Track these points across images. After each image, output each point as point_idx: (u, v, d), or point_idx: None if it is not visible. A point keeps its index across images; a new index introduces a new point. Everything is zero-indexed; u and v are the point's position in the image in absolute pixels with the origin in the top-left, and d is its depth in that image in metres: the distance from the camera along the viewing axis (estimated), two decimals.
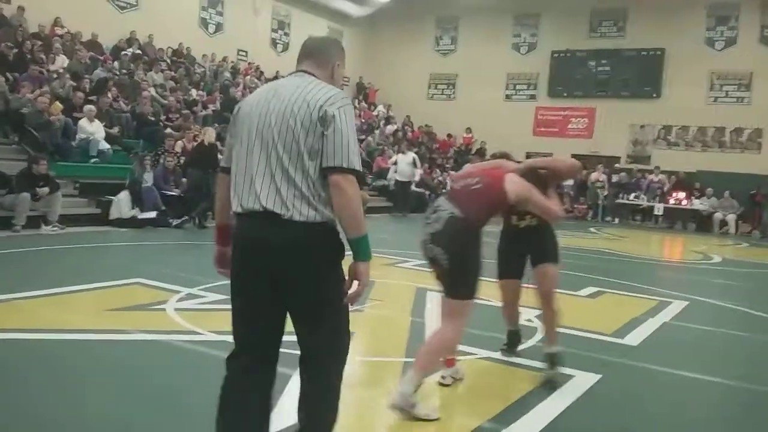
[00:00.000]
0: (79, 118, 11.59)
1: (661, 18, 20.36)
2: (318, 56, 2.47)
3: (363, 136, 19.73)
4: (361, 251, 2.29)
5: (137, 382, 3.72)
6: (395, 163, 17.20)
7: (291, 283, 2.29)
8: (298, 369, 2.43)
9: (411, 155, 17.10)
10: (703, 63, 19.87)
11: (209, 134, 11.41)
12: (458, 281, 3.46)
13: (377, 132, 20.91)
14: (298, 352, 2.44)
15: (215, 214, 2.65)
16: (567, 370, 4.28)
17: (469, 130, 22.91)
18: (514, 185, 3.57)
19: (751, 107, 19.42)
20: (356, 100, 22.91)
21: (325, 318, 2.34)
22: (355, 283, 2.31)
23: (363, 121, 21.27)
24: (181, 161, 11.91)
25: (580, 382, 4.11)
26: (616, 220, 18.60)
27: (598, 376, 4.22)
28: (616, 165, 20.54)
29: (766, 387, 4.37)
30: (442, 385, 3.89)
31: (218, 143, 11.22)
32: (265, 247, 2.27)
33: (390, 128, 21.85)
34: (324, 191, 2.25)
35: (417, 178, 17.07)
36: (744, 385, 4.40)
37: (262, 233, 2.27)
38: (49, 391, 3.49)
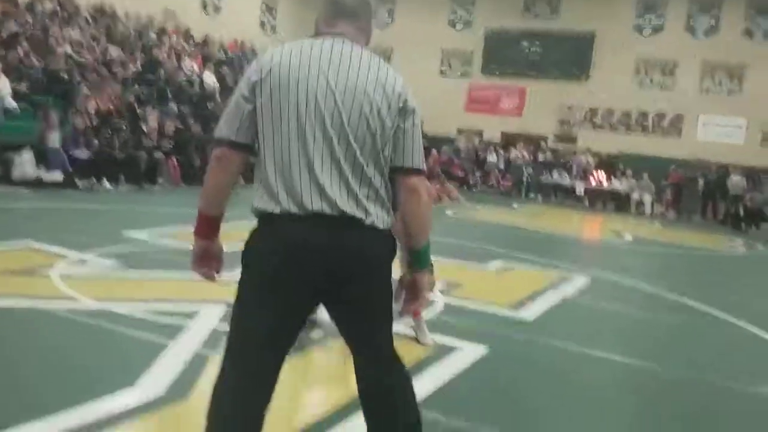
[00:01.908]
0: None
1: (594, 1, 20.67)
2: (360, 18, 2.05)
3: None
4: (425, 259, 2.16)
5: (4, 351, 3.51)
6: None
7: (357, 292, 1.98)
8: (365, 375, 2.16)
9: None
10: (631, 48, 20.32)
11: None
12: None
13: None
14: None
15: (209, 199, 2.08)
16: (455, 342, 4.30)
17: None
18: None
19: (674, 94, 20.02)
20: None
21: (387, 320, 2.11)
22: (423, 294, 2.14)
23: None
24: (94, 123, 11.40)
25: (467, 353, 4.13)
26: (539, 198, 18.98)
27: (486, 349, 4.24)
28: (543, 144, 20.92)
29: (651, 363, 4.49)
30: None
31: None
32: (335, 257, 1.91)
33: None
34: (390, 193, 1.99)
35: None
36: (629, 360, 4.51)
37: (334, 240, 1.90)
38: None
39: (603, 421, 3.48)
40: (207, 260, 2.14)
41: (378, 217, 1.94)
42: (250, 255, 1.99)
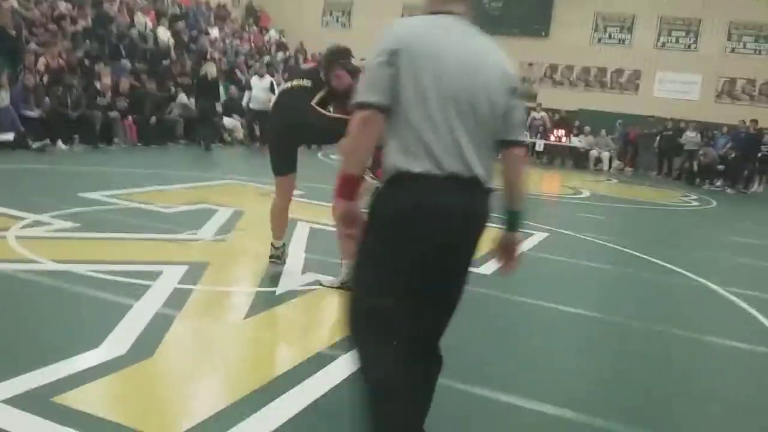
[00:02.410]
0: None
1: None
2: None
3: (251, 63, 19.04)
4: (521, 222, 2.34)
5: None
6: (249, 89, 14.72)
7: (463, 258, 2.17)
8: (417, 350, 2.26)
9: (268, 79, 14.35)
10: (589, 4, 20.38)
11: (210, 68, 13.66)
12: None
13: (267, 58, 20.22)
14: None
15: (355, 160, 2.10)
16: None
17: (364, 59, 22.55)
18: None
19: (631, 50, 20.22)
20: (246, 25, 21.96)
21: (461, 294, 2.25)
22: (516, 252, 2.37)
23: (252, 46, 20.48)
24: (44, 80, 11.03)
25: None
26: (498, 155, 19.13)
27: None
28: None
29: (610, 315, 4.66)
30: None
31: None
32: (466, 218, 2.09)
33: (281, 55, 21.17)
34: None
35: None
36: (590, 313, 4.67)
37: (468, 203, 2.08)
38: None
39: (550, 368, 3.62)
40: (353, 220, 2.17)
41: (492, 181, 2.17)
42: (381, 209, 2.10)
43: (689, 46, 19.65)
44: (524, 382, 3.35)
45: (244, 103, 14.86)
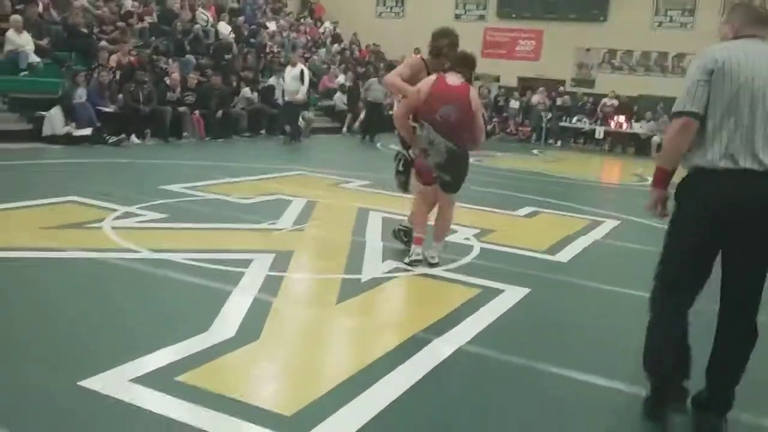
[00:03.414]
0: (6, 29, 10.93)
1: None
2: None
3: (308, 55, 19.28)
4: None
5: (72, 299, 3.71)
6: (282, 79, 13.76)
7: (750, 240, 2.59)
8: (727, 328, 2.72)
9: (299, 68, 13.27)
10: None
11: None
12: (456, 184, 4.82)
13: (323, 50, 20.45)
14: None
15: (670, 159, 2.68)
16: (498, 285, 4.46)
17: (417, 50, 22.49)
18: (477, 104, 4.76)
19: (693, 32, 19.63)
20: (301, 17, 22.22)
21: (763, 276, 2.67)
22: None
23: (308, 38, 20.72)
24: (117, 76, 11.46)
25: (510, 295, 4.29)
26: (559, 143, 18.93)
27: (528, 290, 4.41)
28: (561, 88, 20.72)
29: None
30: (414, 262, 4.75)
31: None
32: (756, 205, 2.54)
33: (336, 47, 21.37)
34: None
35: (301, 96, 13.15)
36: None
37: (756, 189, 2.53)
38: None
39: (634, 353, 3.64)
40: (662, 204, 2.78)
41: None
42: (685, 198, 2.65)
43: None
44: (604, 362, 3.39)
45: (277, 94, 14.17)
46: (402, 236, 5.27)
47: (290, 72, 13.23)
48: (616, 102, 19.07)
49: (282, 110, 13.74)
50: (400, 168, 5.20)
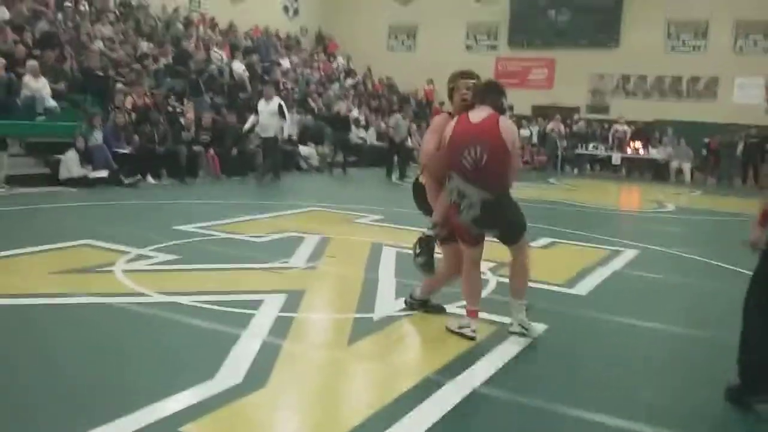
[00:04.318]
0: (23, 74, 11.13)
1: None
2: None
3: (322, 90, 19.44)
4: None
5: (81, 345, 3.65)
6: (256, 113, 12.66)
7: None
8: None
9: (276, 102, 12.37)
10: (659, 11, 19.90)
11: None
12: (513, 232, 4.08)
13: (336, 85, 20.62)
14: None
15: None
16: None
17: (430, 81, 22.70)
18: (512, 133, 3.97)
19: (707, 55, 19.59)
20: (315, 53, 22.47)
21: None
22: None
23: (322, 74, 20.92)
24: (133, 118, 11.59)
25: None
26: (575, 171, 18.80)
27: (545, 326, 4.28)
28: (576, 116, 20.66)
29: (709, 332, 4.49)
30: (467, 337, 3.95)
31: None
32: None
33: (350, 81, 21.55)
34: None
35: (286, 133, 12.70)
36: (684, 330, 4.52)
37: None
38: None
39: (665, 390, 3.50)
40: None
41: None
42: None
43: None
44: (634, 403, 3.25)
45: (245, 127, 12.96)
46: (417, 308, 4.54)
47: (266, 107, 12.28)
48: (626, 128, 18.95)
49: (260, 147, 12.76)
50: (417, 249, 4.23)
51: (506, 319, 4.35)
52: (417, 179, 4.42)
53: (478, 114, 3.94)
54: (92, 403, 2.92)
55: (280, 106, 12.32)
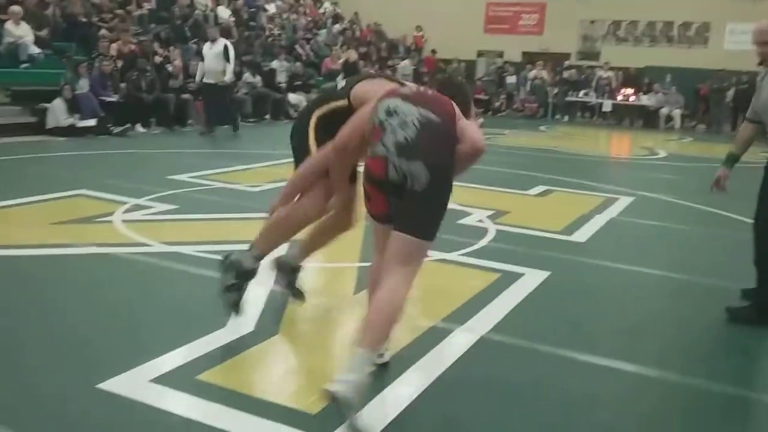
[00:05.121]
0: (4, 21, 10.81)
1: None
2: None
3: (310, 36, 19.08)
4: None
5: (85, 297, 3.64)
6: (202, 59, 11.36)
7: None
8: None
9: (222, 44, 11.16)
10: None
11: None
12: (430, 213, 2.48)
13: (324, 31, 20.22)
14: None
15: None
16: (517, 268, 4.38)
17: (419, 28, 22.31)
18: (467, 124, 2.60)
19: (699, 1, 19.35)
20: None
21: None
22: None
23: (309, 19, 20.48)
24: (118, 65, 11.34)
25: (530, 279, 4.21)
26: (566, 118, 18.74)
27: (548, 273, 4.33)
28: (566, 62, 20.47)
29: (704, 277, 4.56)
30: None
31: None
32: None
33: (337, 27, 21.13)
34: None
35: (228, 77, 11.17)
36: (684, 276, 4.59)
37: None
38: None
39: (668, 335, 3.57)
40: None
41: None
42: None
43: None
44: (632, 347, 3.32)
45: (197, 79, 11.61)
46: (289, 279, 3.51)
47: (211, 49, 11.14)
48: (611, 74, 18.80)
49: (205, 95, 11.43)
50: (232, 280, 3.19)
51: (506, 266, 4.39)
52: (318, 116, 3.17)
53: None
54: (107, 354, 2.93)
55: (225, 47, 11.11)
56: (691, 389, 2.93)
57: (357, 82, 3.09)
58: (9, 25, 10.73)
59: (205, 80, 11.17)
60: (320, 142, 3.11)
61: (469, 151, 2.52)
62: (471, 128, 2.57)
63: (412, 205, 2.45)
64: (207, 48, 11.22)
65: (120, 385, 2.62)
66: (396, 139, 2.46)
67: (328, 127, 2.99)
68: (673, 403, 2.81)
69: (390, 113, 2.52)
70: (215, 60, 10.98)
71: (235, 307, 3.20)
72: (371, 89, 2.89)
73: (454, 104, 2.60)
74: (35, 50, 10.85)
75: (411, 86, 2.79)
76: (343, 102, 3.06)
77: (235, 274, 3.21)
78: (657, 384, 2.96)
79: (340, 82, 3.37)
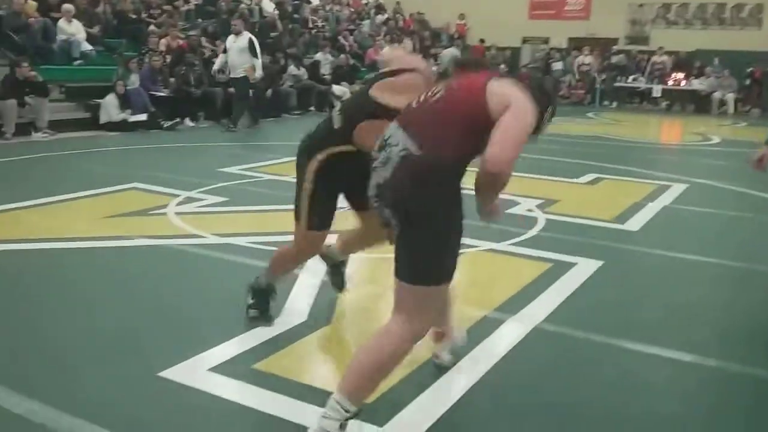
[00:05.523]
0: (57, 19, 11.12)
1: None
2: None
3: (353, 27, 19.10)
4: None
5: (144, 288, 3.73)
6: (224, 52, 11.07)
7: None
8: None
9: (246, 37, 10.62)
10: None
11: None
12: (408, 256, 2.19)
13: (367, 22, 20.20)
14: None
15: None
16: (570, 258, 4.32)
17: (462, 16, 22.10)
18: (506, 95, 2.15)
19: None
20: None
21: None
22: None
23: (351, 10, 20.50)
24: (167, 60, 11.54)
25: (583, 268, 4.15)
26: (614, 104, 18.34)
27: (601, 263, 4.25)
28: (614, 47, 20.02)
29: (764, 265, 4.42)
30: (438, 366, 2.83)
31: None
32: None
33: (380, 17, 21.09)
34: None
35: (258, 73, 10.77)
36: (739, 264, 4.46)
37: None
38: (53, 301, 3.50)
39: (726, 325, 3.48)
40: None
41: None
42: None
43: None
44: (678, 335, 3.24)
45: (215, 69, 11.44)
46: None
47: (235, 42, 10.66)
48: (666, 59, 18.31)
49: (236, 89, 10.94)
50: (251, 299, 3.23)
51: (558, 256, 4.34)
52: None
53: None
54: (165, 344, 3.00)
55: (250, 41, 10.56)
56: (757, 380, 2.85)
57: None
58: (62, 23, 11.03)
59: (231, 75, 10.87)
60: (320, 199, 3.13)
61: (485, 168, 2.06)
62: (501, 138, 2.05)
63: (397, 246, 2.23)
64: (231, 41, 10.79)
65: (180, 373, 2.68)
66: (377, 180, 2.21)
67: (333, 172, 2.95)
68: (740, 394, 2.74)
69: (382, 147, 2.23)
70: (239, 54, 10.61)
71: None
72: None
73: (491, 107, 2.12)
74: (87, 47, 11.14)
75: (429, 93, 2.30)
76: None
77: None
78: (721, 375, 2.89)
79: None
